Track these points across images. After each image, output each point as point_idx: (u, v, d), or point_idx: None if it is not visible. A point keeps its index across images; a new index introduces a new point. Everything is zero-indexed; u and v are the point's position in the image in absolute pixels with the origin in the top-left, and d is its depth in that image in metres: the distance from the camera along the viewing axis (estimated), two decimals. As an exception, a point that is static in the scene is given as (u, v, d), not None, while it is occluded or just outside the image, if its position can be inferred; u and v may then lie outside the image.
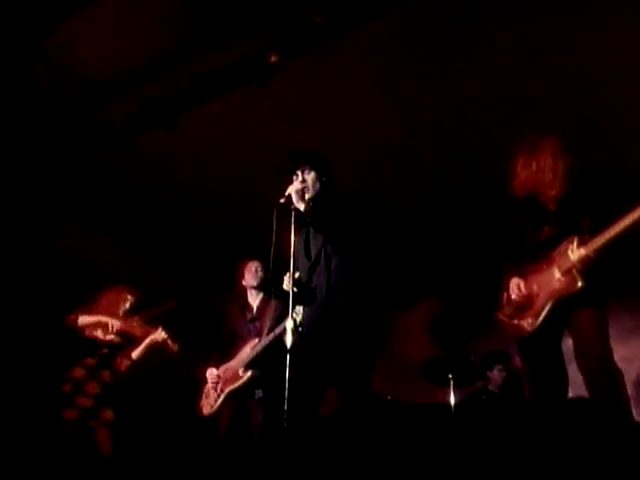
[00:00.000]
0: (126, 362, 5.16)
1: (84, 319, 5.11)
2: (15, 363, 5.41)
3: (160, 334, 5.14)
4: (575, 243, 3.33)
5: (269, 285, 4.96)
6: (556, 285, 3.36)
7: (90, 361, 5.05)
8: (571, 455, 2.33)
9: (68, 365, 5.03)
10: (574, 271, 3.30)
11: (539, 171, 3.51)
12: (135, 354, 5.17)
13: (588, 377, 3.21)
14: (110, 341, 5.13)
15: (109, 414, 5.01)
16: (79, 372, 4.99)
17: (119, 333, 5.14)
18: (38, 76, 4.70)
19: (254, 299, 5.11)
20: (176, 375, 6.14)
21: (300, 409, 3.15)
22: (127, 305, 5.30)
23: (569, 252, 3.33)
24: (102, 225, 6.51)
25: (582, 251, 3.28)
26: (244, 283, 5.13)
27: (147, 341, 5.15)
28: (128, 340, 5.21)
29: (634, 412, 3.59)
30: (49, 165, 5.65)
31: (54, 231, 6.13)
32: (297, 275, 3.38)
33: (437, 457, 2.83)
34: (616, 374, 3.19)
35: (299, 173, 3.56)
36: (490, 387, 6.02)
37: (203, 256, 7.01)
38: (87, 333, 5.13)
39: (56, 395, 4.91)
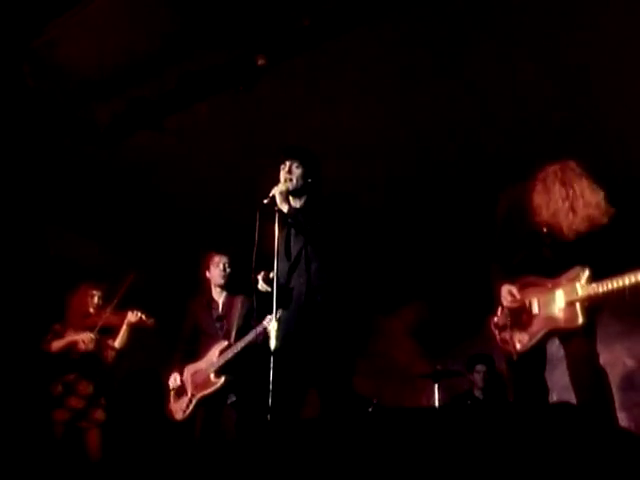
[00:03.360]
0: (111, 353, 5.14)
1: (56, 344, 5.05)
2: (5, 364, 5.36)
3: (134, 315, 5.12)
4: (586, 276, 3.23)
5: (235, 283, 4.93)
6: (557, 315, 3.30)
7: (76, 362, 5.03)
8: (554, 460, 2.33)
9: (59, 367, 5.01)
10: (578, 306, 3.22)
11: (566, 199, 3.29)
12: (118, 343, 5.14)
13: (575, 379, 3.25)
14: (86, 350, 5.09)
15: (100, 414, 4.99)
16: (70, 375, 4.97)
17: (95, 341, 5.10)
18: (25, 76, 4.68)
19: (219, 295, 5.00)
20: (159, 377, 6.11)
21: (282, 411, 3.15)
22: (96, 300, 5.27)
23: (577, 285, 3.23)
24: (88, 226, 6.48)
25: (592, 290, 3.18)
26: (208, 276, 5.02)
27: (124, 326, 5.13)
28: (108, 331, 5.17)
29: (619, 416, 3.63)
30: (34, 165, 5.62)
31: (41, 233, 6.10)
32: (272, 275, 3.36)
33: (420, 460, 2.82)
34: (602, 374, 3.22)
35: (287, 163, 3.56)
36: (475, 391, 6.02)
37: (188, 255, 6.98)
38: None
39: (46, 396, 4.88)
